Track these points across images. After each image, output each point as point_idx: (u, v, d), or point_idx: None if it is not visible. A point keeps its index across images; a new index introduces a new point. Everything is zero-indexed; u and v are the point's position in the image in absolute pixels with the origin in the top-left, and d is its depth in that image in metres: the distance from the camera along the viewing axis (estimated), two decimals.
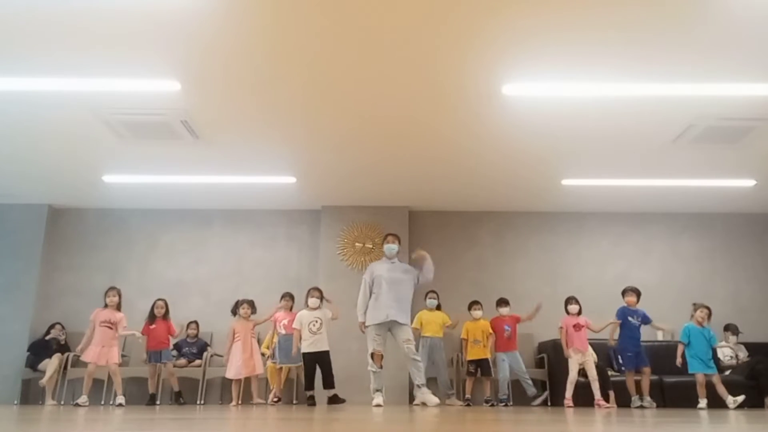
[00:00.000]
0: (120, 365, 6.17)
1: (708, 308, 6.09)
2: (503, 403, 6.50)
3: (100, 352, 5.89)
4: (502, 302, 6.81)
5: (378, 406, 5.35)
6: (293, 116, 5.40)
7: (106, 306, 6.11)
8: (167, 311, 6.60)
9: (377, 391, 5.53)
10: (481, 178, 6.91)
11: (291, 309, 6.65)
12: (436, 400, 5.46)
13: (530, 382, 6.59)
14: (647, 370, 6.09)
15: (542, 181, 7.00)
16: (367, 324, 5.64)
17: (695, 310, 6.12)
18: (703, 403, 5.81)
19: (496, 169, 6.65)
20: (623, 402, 6.11)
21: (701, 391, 5.85)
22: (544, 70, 4.56)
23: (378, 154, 6.24)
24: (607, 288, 7.51)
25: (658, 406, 6.07)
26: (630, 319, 6.23)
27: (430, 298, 6.89)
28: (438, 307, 6.92)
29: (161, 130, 5.61)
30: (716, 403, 5.80)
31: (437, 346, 6.66)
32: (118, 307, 6.15)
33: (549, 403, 6.69)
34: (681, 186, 7.05)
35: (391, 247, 5.80)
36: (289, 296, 6.75)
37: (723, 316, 7.31)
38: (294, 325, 6.00)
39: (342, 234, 7.76)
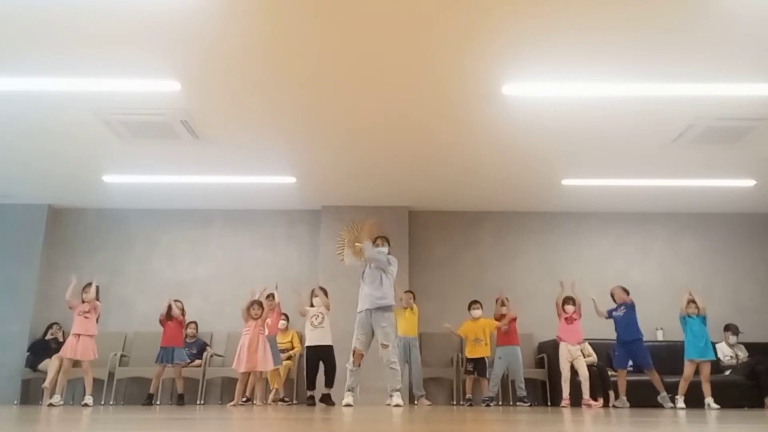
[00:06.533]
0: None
1: (693, 300, 6.05)
2: (485, 403, 6.43)
3: (76, 346, 5.87)
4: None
5: (348, 405, 5.22)
6: (293, 116, 5.40)
7: (83, 302, 6.05)
8: (183, 313, 6.61)
9: (350, 390, 5.38)
10: (481, 178, 6.90)
11: (279, 309, 6.57)
12: (400, 402, 5.33)
13: (522, 386, 6.48)
14: (651, 372, 5.99)
15: (542, 181, 7.00)
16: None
17: (687, 303, 6.05)
18: (680, 400, 5.76)
19: (496, 169, 6.65)
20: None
21: (683, 385, 5.82)
22: (544, 70, 4.56)
23: (378, 154, 6.24)
24: (606, 288, 7.46)
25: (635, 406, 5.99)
26: (615, 313, 6.32)
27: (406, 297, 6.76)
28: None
29: (161, 130, 5.61)
30: (720, 403, 5.76)
31: (411, 345, 6.63)
32: (97, 299, 6.11)
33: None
34: (681, 186, 7.04)
35: (380, 251, 5.70)
36: (270, 297, 6.48)
37: (723, 316, 7.31)
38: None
39: (342, 234, 7.76)
